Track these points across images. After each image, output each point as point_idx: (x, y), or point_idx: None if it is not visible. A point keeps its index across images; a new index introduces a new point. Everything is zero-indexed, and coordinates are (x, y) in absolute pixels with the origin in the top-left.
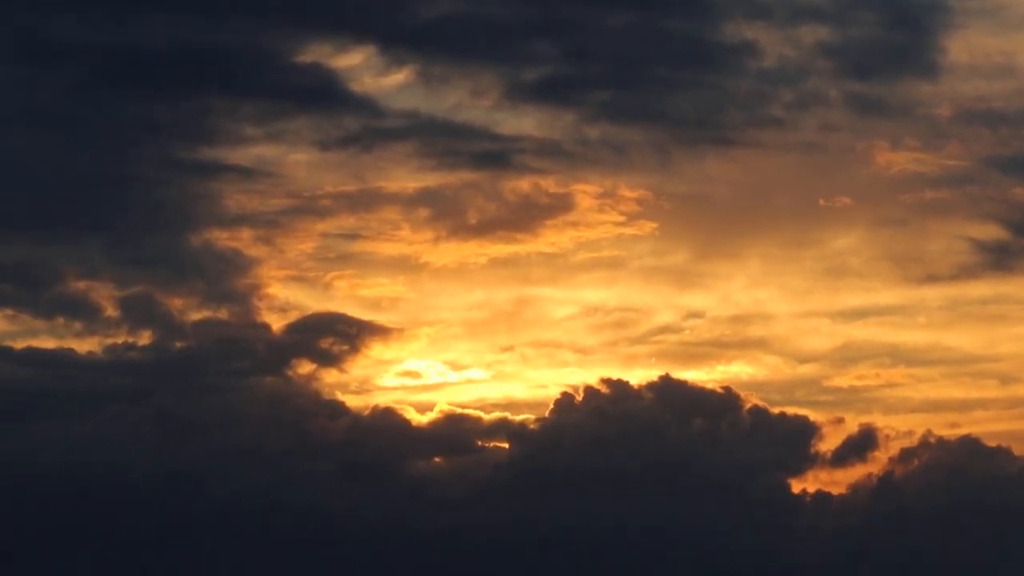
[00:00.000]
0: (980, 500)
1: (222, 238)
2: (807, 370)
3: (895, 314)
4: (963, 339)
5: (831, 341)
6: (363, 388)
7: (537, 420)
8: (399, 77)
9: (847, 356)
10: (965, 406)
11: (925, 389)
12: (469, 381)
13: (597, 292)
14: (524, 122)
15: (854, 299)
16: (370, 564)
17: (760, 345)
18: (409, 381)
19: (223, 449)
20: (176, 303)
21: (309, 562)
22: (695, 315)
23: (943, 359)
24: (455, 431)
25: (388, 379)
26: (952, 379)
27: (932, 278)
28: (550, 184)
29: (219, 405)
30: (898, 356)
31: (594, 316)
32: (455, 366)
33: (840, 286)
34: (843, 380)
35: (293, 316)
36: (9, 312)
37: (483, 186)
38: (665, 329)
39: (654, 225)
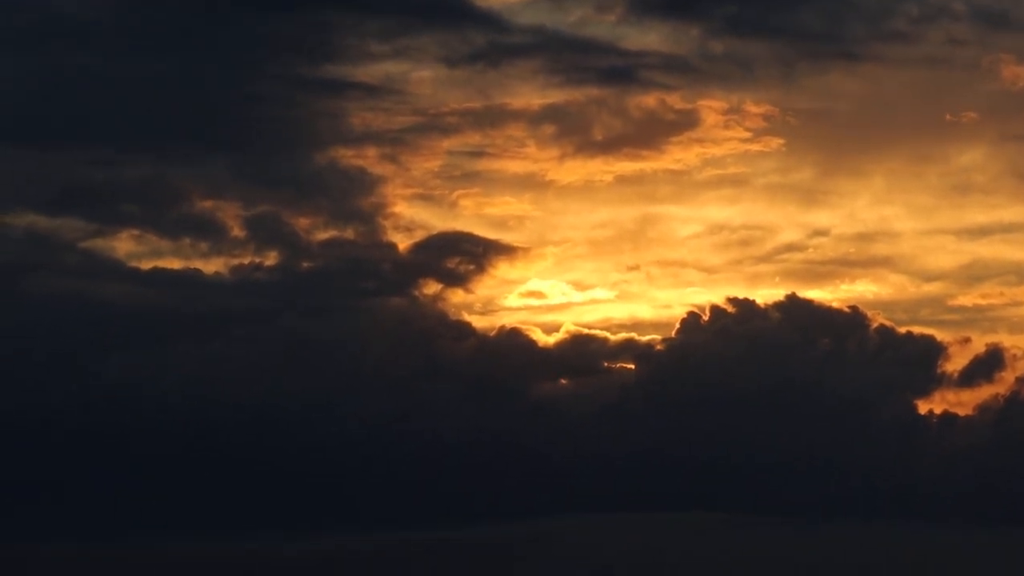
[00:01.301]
0: None
1: (347, 156)
2: (932, 288)
3: (1021, 231)
4: None
5: (956, 259)
6: (488, 308)
7: (663, 340)
8: None
9: (972, 274)
10: None
11: None
12: (594, 301)
13: (722, 210)
14: (649, 37)
15: (980, 216)
16: (495, 485)
17: (885, 263)
18: (534, 301)
19: (349, 370)
20: (302, 223)
21: (433, 483)
22: (820, 233)
23: None
24: (581, 352)
25: (513, 299)
26: None
27: None
28: (676, 100)
29: (346, 326)
30: (1023, 274)
31: (719, 234)
32: (580, 286)
33: (966, 203)
34: (968, 299)
35: (419, 235)
36: (135, 232)
37: (608, 102)
38: (790, 247)
39: (780, 141)
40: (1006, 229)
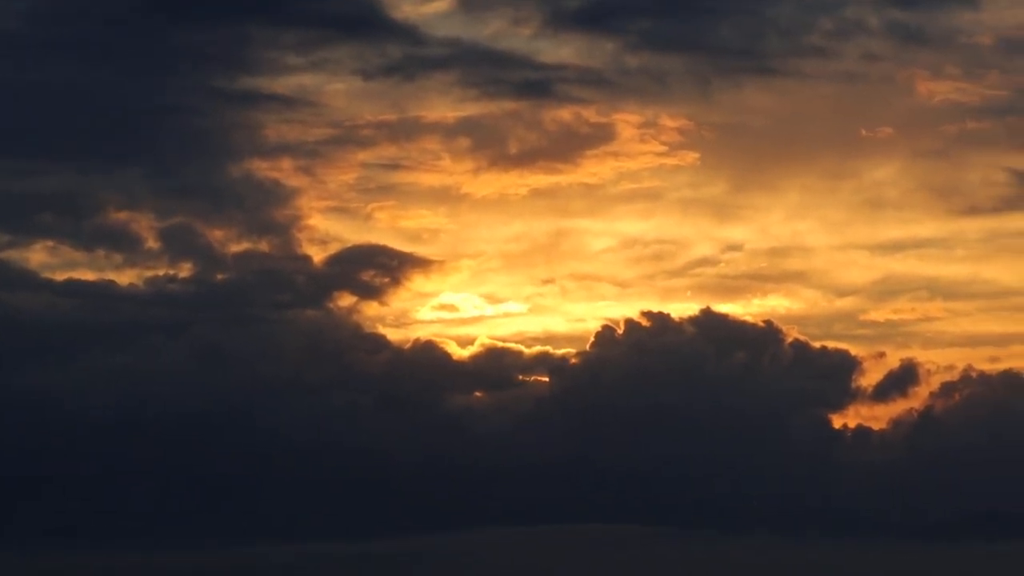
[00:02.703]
0: (1021, 435)
1: (262, 168)
2: (845, 303)
3: (934, 247)
4: (1002, 272)
5: (869, 274)
6: (403, 321)
7: (578, 354)
8: (441, 4)
9: (885, 289)
10: (1003, 340)
11: (963, 323)
12: (508, 314)
13: (636, 224)
14: (565, 50)
15: (893, 231)
16: (409, 498)
17: (798, 278)
18: (448, 314)
19: (263, 382)
20: (216, 234)
21: (347, 495)
22: (733, 248)
23: (981, 292)
24: (496, 365)
25: (428, 312)
26: (990, 313)
27: (972, 210)
28: (591, 114)
29: (260, 338)
30: (936, 289)
31: (633, 248)
32: (494, 299)
33: (879, 218)
34: (881, 314)
35: (334, 248)
36: (50, 243)
37: (524, 115)
38: (703, 262)
39: (695, 155)
40: (919, 244)
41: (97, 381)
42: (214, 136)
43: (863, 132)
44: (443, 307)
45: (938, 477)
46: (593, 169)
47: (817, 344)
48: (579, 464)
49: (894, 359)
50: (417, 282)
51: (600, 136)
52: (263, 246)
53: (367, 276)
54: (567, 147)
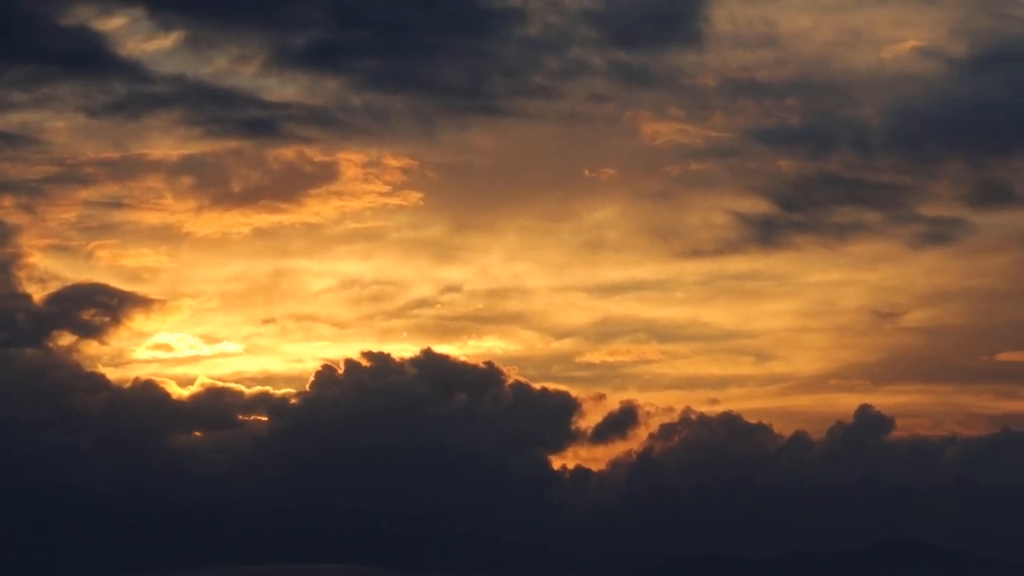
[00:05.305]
0: (740, 477)
1: None
2: (563, 345)
3: (653, 289)
4: (720, 315)
5: (588, 316)
6: (122, 361)
7: (298, 394)
8: (166, 41)
9: (604, 331)
10: (721, 383)
11: (681, 365)
12: (226, 354)
13: (355, 264)
14: (290, 88)
15: (612, 273)
16: (127, 537)
17: (517, 320)
18: (165, 354)
19: None
20: None
21: (66, 536)
22: (452, 289)
23: (699, 335)
24: (215, 405)
25: (147, 351)
26: (708, 355)
27: (694, 252)
28: (315, 153)
29: None
30: (653, 332)
31: (352, 289)
32: (212, 339)
33: (598, 260)
34: (598, 356)
35: (54, 286)
36: None
37: (247, 154)
38: (422, 303)
39: (419, 196)
40: (638, 287)
41: None
42: None
43: (586, 173)
44: (162, 346)
45: (656, 518)
46: (316, 209)
47: (538, 385)
48: (299, 503)
49: (614, 401)
50: (137, 321)
51: (323, 175)
52: None
53: (87, 315)
54: (290, 186)
